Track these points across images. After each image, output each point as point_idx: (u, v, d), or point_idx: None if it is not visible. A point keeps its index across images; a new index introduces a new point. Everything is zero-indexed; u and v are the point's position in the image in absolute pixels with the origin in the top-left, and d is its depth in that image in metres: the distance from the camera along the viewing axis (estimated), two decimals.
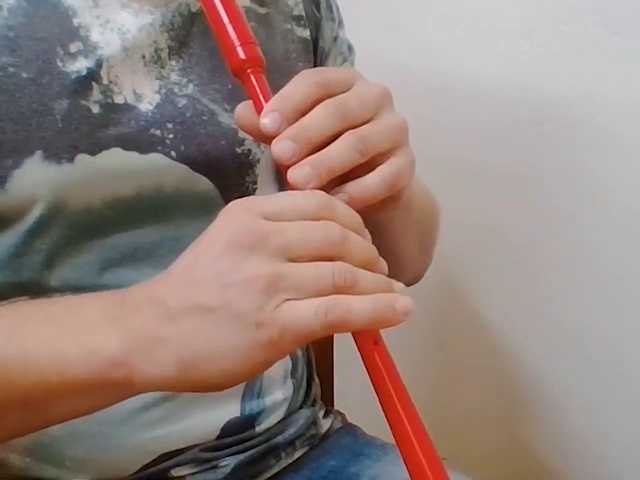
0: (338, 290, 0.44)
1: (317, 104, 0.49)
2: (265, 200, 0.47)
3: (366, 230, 0.48)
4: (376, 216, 0.51)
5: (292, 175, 0.48)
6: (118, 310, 0.47)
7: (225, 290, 0.43)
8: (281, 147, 0.48)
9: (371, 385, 0.47)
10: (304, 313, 0.43)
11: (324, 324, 0.43)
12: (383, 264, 0.48)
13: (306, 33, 0.69)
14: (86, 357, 0.46)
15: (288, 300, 0.43)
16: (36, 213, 0.56)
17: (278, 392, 0.69)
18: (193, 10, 0.62)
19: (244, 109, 0.51)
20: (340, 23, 0.73)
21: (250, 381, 0.66)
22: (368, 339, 0.47)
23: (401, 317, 0.45)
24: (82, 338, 0.47)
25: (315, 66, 0.70)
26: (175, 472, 0.63)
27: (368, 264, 0.46)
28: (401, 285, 0.47)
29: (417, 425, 0.46)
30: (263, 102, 0.50)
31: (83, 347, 0.47)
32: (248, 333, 0.43)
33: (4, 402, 0.48)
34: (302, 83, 0.49)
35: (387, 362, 0.47)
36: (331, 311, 0.43)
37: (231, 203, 0.47)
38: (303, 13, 0.69)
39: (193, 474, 0.64)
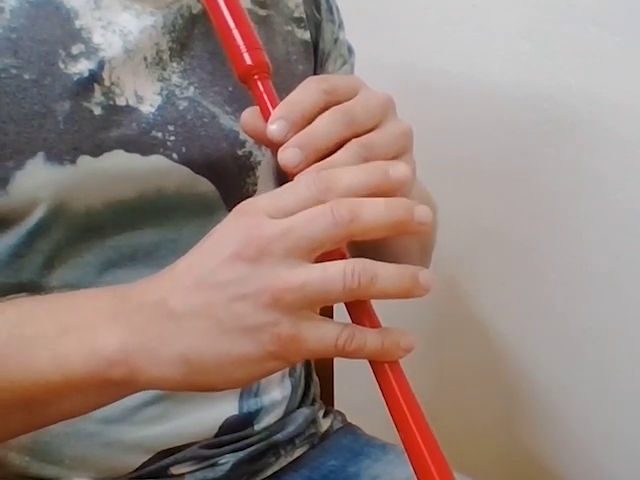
0: (352, 293, 0.43)
1: (323, 111, 0.48)
2: (269, 198, 0.46)
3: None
4: None
5: None
6: (119, 308, 0.47)
7: (233, 302, 0.43)
8: (288, 155, 0.47)
9: (375, 386, 0.47)
10: (325, 338, 0.44)
11: (339, 352, 0.44)
12: (421, 211, 0.45)
13: (307, 35, 0.69)
14: (86, 355, 0.46)
15: (303, 314, 0.43)
16: (37, 214, 0.56)
17: (276, 391, 0.70)
18: (194, 12, 0.62)
19: (250, 115, 0.51)
20: (340, 25, 0.73)
21: None
22: None
23: (402, 353, 0.46)
24: (82, 336, 0.47)
25: (315, 68, 0.70)
26: (174, 470, 0.64)
27: (390, 229, 0.45)
28: (426, 274, 0.45)
29: (428, 437, 0.45)
30: (270, 108, 0.50)
31: (83, 345, 0.46)
32: (260, 346, 0.43)
33: (5, 402, 0.48)
34: (309, 90, 0.49)
35: (397, 372, 0.46)
36: (349, 343, 0.44)
37: (239, 205, 0.47)
38: (304, 15, 0.69)
39: (192, 472, 0.64)
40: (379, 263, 0.44)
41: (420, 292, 0.45)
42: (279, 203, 0.45)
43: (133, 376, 0.46)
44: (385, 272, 0.44)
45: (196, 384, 0.46)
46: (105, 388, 0.47)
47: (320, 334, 0.44)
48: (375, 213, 0.44)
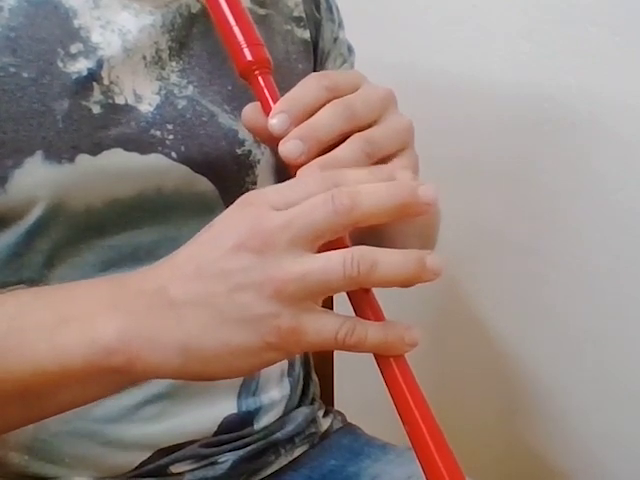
0: (354, 281, 0.43)
1: (324, 106, 0.49)
2: (275, 190, 0.46)
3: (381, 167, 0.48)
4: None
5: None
6: (118, 297, 0.47)
7: (235, 292, 0.43)
8: (289, 147, 0.47)
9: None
10: (325, 331, 0.44)
11: (340, 345, 0.44)
12: (426, 190, 0.45)
13: (306, 34, 0.69)
14: (85, 345, 0.46)
15: (305, 305, 0.43)
16: (36, 213, 0.56)
17: (275, 390, 0.69)
18: (193, 11, 0.62)
19: (251, 110, 0.51)
20: (340, 24, 0.73)
21: (247, 378, 0.67)
22: None
23: (406, 348, 0.45)
24: (81, 326, 0.47)
25: (315, 67, 0.70)
26: (174, 468, 0.64)
27: (393, 213, 0.45)
28: (435, 259, 0.45)
29: (435, 431, 0.45)
30: (271, 104, 0.50)
31: (82, 335, 0.46)
32: (259, 337, 0.43)
33: (4, 393, 0.48)
34: (310, 85, 0.49)
35: (402, 366, 0.46)
36: (349, 336, 0.44)
37: (243, 195, 0.47)
38: (303, 14, 0.69)
39: (192, 470, 0.64)
40: (380, 249, 0.44)
41: (429, 276, 0.44)
42: (284, 196, 0.45)
43: (131, 364, 0.46)
44: (386, 258, 0.44)
45: (194, 373, 0.46)
46: (103, 377, 0.47)
47: (320, 326, 0.44)
48: (376, 198, 0.44)
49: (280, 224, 0.43)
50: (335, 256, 0.43)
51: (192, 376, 0.46)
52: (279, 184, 0.47)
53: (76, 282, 0.52)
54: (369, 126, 0.49)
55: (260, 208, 0.45)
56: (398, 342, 0.45)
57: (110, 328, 0.46)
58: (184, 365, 0.45)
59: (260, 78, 0.51)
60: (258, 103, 0.51)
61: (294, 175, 0.48)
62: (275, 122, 0.48)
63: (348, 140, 0.48)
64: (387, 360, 0.46)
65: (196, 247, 0.46)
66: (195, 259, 0.46)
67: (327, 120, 0.48)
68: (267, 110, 0.50)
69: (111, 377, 0.47)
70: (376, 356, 0.46)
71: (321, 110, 0.48)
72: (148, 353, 0.45)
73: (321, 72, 0.54)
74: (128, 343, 0.45)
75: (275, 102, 0.50)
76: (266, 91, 0.51)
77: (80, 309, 0.48)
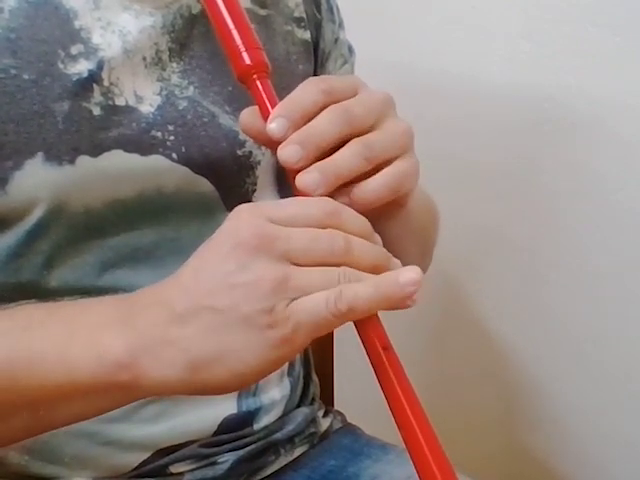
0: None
1: (322, 111, 0.49)
2: (273, 205, 0.47)
3: (375, 234, 0.49)
4: (380, 222, 0.52)
5: (300, 180, 0.48)
6: (126, 312, 0.47)
7: (232, 291, 0.44)
8: (288, 152, 0.48)
9: (375, 387, 0.47)
10: (315, 306, 0.44)
11: (335, 313, 0.44)
12: (394, 265, 0.48)
13: (307, 35, 0.69)
14: (94, 360, 0.46)
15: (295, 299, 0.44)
16: (36, 214, 0.56)
17: (275, 390, 0.70)
18: (194, 12, 0.62)
19: (249, 114, 0.51)
20: (341, 24, 0.73)
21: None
22: (377, 345, 0.47)
23: (408, 288, 0.45)
24: (90, 341, 0.47)
25: (315, 68, 0.70)
26: (174, 468, 0.64)
27: (375, 270, 0.46)
28: (407, 276, 0.46)
29: (427, 431, 0.46)
30: (269, 108, 0.50)
31: (91, 350, 0.47)
32: (260, 334, 0.44)
33: (11, 404, 0.48)
34: (308, 90, 0.50)
35: (396, 368, 0.46)
36: (339, 299, 0.44)
37: (240, 206, 0.47)
38: (304, 15, 0.69)
39: (192, 470, 0.64)
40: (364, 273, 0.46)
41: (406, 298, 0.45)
42: (283, 213, 0.46)
43: (139, 380, 0.46)
44: (369, 276, 0.45)
45: (200, 384, 0.46)
46: (112, 392, 0.47)
47: (310, 304, 0.44)
48: (364, 250, 0.46)
49: (281, 235, 0.44)
50: (331, 267, 0.45)
51: (199, 388, 0.46)
52: (277, 200, 0.47)
53: (85, 299, 0.52)
54: (368, 131, 0.50)
55: (258, 218, 0.45)
56: (393, 287, 0.45)
57: (117, 344, 0.46)
58: (190, 376, 0.45)
59: (258, 82, 0.51)
60: (256, 107, 0.51)
61: (292, 178, 0.48)
62: (274, 126, 0.48)
63: (347, 145, 0.49)
64: (381, 361, 0.46)
65: (197, 260, 0.47)
66: (197, 270, 0.46)
67: (326, 125, 0.48)
68: (265, 114, 0.50)
69: (120, 392, 0.47)
70: (371, 359, 0.46)
71: (320, 115, 0.49)
72: (154, 368, 0.45)
73: (319, 77, 0.54)
74: (135, 359, 0.45)
75: (273, 107, 0.50)
76: (264, 96, 0.51)
77: (89, 325, 0.48)
